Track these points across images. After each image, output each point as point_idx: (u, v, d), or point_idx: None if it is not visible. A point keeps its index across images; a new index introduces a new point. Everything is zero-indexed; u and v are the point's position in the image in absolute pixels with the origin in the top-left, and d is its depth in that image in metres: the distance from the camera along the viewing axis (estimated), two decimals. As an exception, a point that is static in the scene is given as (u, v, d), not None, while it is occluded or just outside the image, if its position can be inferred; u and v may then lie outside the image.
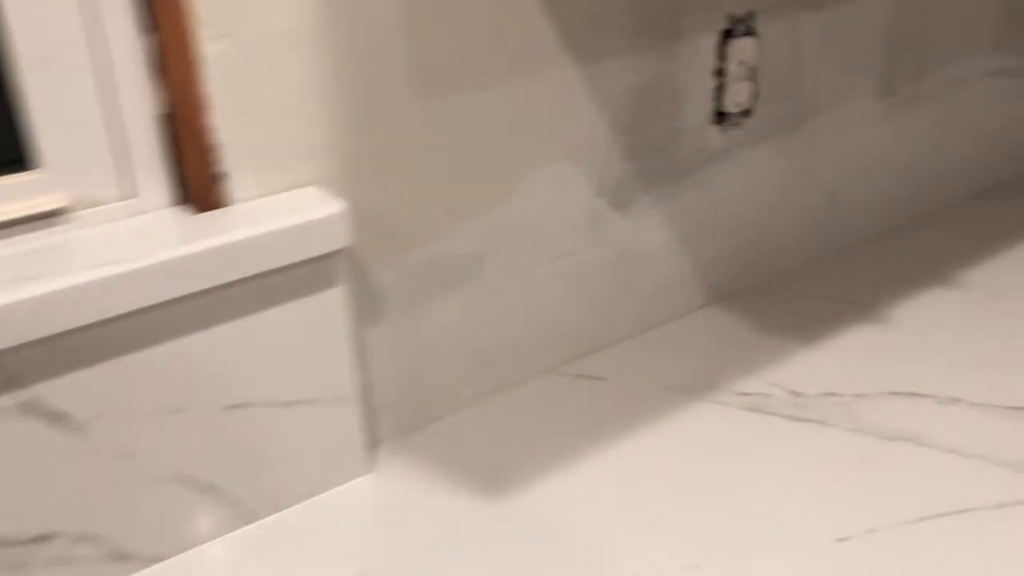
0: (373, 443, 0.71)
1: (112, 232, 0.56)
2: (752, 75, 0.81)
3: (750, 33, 0.79)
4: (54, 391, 0.52)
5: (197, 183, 0.57)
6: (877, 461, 0.66)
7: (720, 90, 0.80)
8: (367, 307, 0.67)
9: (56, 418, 0.53)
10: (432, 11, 0.62)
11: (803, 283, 0.91)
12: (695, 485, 0.65)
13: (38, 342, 0.51)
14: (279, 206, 0.59)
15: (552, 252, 0.76)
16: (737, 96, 0.80)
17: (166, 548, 0.60)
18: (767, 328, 0.84)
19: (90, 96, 0.54)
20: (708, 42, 0.77)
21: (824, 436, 0.69)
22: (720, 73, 0.79)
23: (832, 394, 0.74)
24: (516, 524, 0.63)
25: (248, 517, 0.63)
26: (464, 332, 0.73)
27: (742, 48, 0.79)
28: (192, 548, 0.61)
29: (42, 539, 0.55)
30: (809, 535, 0.60)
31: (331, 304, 0.61)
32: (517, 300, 0.75)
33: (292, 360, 0.61)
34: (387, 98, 0.62)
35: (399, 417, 0.72)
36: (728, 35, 0.78)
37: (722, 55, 0.79)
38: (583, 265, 0.78)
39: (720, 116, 0.81)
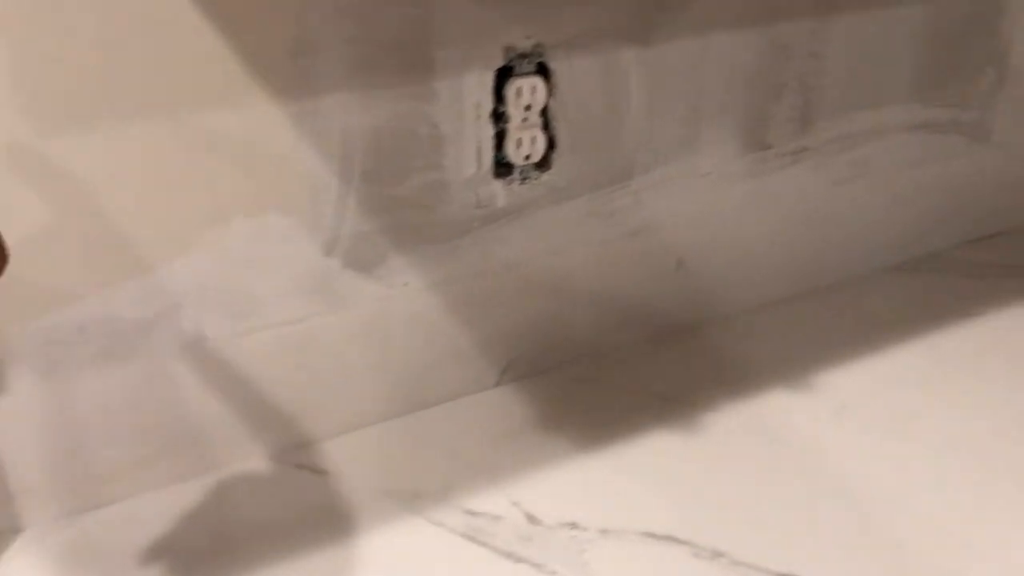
0: (11, 530, 0.60)
1: None
2: (546, 121, 0.67)
3: (540, 71, 0.65)
4: None
5: None
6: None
7: (501, 138, 0.66)
8: (-15, 377, 0.56)
9: None
10: (50, 32, 0.50)
11: (623, 367, 0.77)
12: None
13: None
14: None
15: (265, 320, 0.63)
16: (525, 146, 0.66)
17: None
18: (548, 424, 0.70)
19: None
20: (479, 80, 0.64)
21: (532, 586, 0.56)
22: (500, 118, 0.65)
23: (574, 525, 0.60)
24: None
25: None
26: (135, 409, 0.61)
27: (526, 89, 0.65)
28: None
29: None
30: None
31: None
32: (215, 374, 0.63)
33: None
34: (-16, 133, 0.51)
35: (50, 501, 0.61)
36: (507, 72, 0.64)
37: (500, 96, 0.65)
38: (314, 335, 0.65)
39: (503, 168, 0.67)
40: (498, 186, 0.68)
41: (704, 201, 0.78)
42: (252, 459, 0.66)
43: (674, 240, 0.78)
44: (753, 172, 0.79)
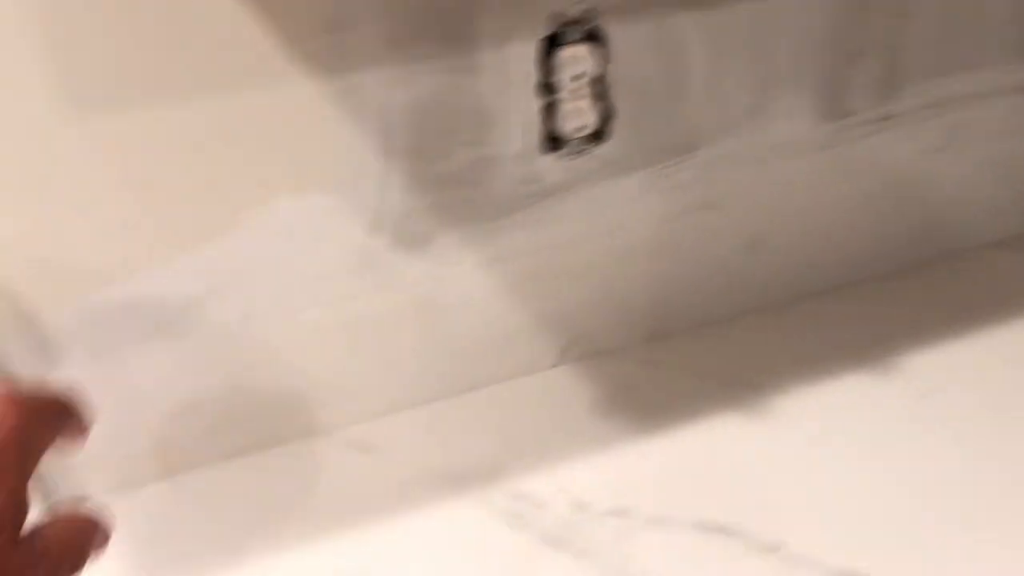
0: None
1: None
2: (600, 91, 0.64)
3: (592, 39, 0.62)
4: None
5: None
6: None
7: (550, 110, 0.63)
8: (41, 355, 0.57)
9: None
10: (80, 15, 0.50)
11: (687, 350, 0.73)
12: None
13: None
14: None
15: (311, 299, 0.63)
16: (577, 117, 0.64)
17: None
18: (606, 407, 0.68)
19: None
20: (525, 49, 0.61)
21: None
22: (548, 89, 0.63)
23: (622, 513, 0.58)
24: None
25: None
26: (186, 385, 0.62)
27: (576, 58, 0.62)
28: None
29: None
30: None
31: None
32: (263, 353, 0.63)
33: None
34: (23, 114, 0.51)
35: (102, 475, 0.62)
36: (554, 41, 0.62)
37: (548, 67, 0.62)
38: (363, 314, 0.65)
39: (554, 142, 0.65)
40: (549, 161, 0.65)
41: (779, 174, 0.73)
42: (302, 436, 0.66)
43: (745, 217, 0.74)
44: (832, 142, 0.74)
